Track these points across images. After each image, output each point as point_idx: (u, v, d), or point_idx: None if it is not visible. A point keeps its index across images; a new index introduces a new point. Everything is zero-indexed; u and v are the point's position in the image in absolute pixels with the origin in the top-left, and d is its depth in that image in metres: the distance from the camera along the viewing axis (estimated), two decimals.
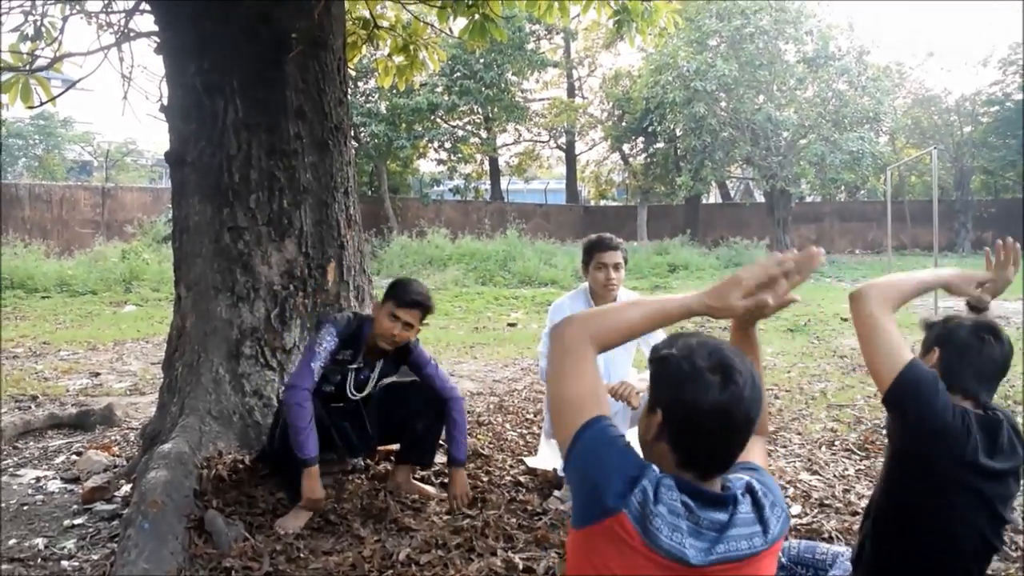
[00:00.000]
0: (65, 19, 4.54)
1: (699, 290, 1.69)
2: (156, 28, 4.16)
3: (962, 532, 2.04)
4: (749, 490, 1.60)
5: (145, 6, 4.17)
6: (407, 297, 3.41)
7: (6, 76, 4.30)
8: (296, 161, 4.07)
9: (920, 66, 38.31)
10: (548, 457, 4.07)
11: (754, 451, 1.74)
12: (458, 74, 24.54)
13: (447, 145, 27.13)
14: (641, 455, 1.62)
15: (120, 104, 4.86)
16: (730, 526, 1.51)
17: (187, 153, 4.02)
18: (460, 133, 27.55)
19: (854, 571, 2.23)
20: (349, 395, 3.63)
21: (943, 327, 2.24)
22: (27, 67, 4.35)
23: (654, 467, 1.53)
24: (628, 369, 3.99)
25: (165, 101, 4.20)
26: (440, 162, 28.35)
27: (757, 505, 1.58)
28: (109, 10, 4.50)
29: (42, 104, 4.44)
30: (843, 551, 2.37)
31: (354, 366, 3.59)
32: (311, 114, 4.13)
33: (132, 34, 4.38)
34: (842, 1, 39.19)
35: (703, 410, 1.51)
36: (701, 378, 1.52)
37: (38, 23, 4.60)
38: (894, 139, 30.30)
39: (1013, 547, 3.18)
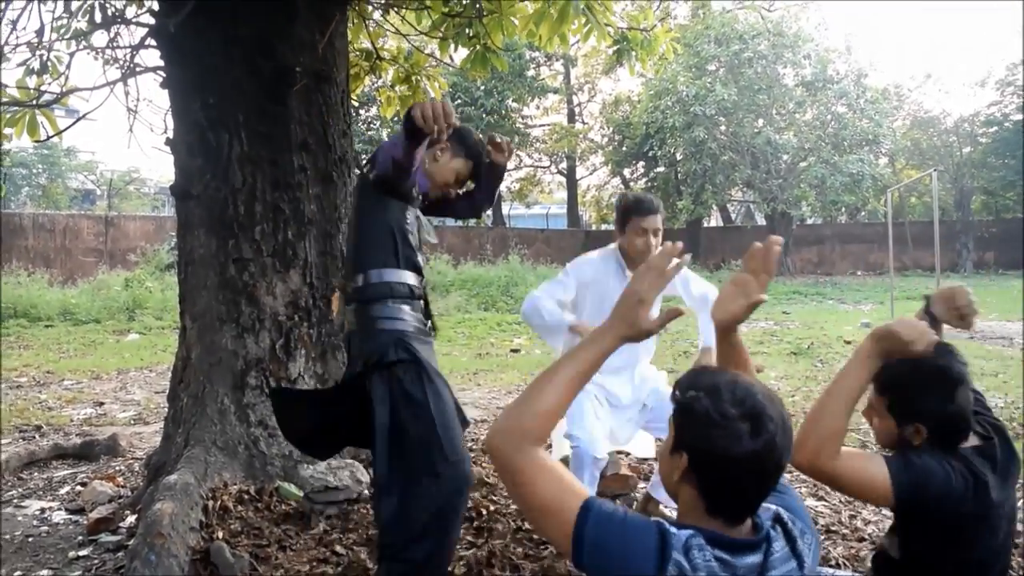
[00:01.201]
0: (72, 54, 4.60)
1: (603, 323, 1.60)
2: (161, 63, 4.21)
3: (988, 560, 2.01)
4: (778, 521, 1.53)
5: (151, 41, 4.22)
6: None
7: (12, 110, 4.35)
8: (300, 193, 4.11)
9: (918, 88, 38.79)
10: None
11: None
12: (459, 101, 24.76)
13: None
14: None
15: (125, 137, 4.90)
16: (767, 568, 1.46)
17: (192, 187, 4.06)
18: None
19: None
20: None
21: (906, 392, 2.01)
22: (34, 101, 4.40)
23: (674, 530, 1.44)
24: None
25: (170, 134, 4.25)
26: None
27: (789, 537, 1.52)
28: (115, 45, 4.56)
29: (49, 138, 4.49)
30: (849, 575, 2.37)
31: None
32: (315, 147, 4.17)
33: (138, 69, 4.44)
34: (840, 24, 39.09)
35: (733, 460, 1.44)
36: (731, 427, 1.44)
37: (44, 58, 4.66)
38: (894, 161, 30.45)
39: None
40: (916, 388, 1.97)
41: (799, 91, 25.69)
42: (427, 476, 2.63)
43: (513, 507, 3.96)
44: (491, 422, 6.15)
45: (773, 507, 1.56)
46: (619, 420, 3.62)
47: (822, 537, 3.55)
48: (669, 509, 3.64)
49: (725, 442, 1.44)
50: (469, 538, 3.50)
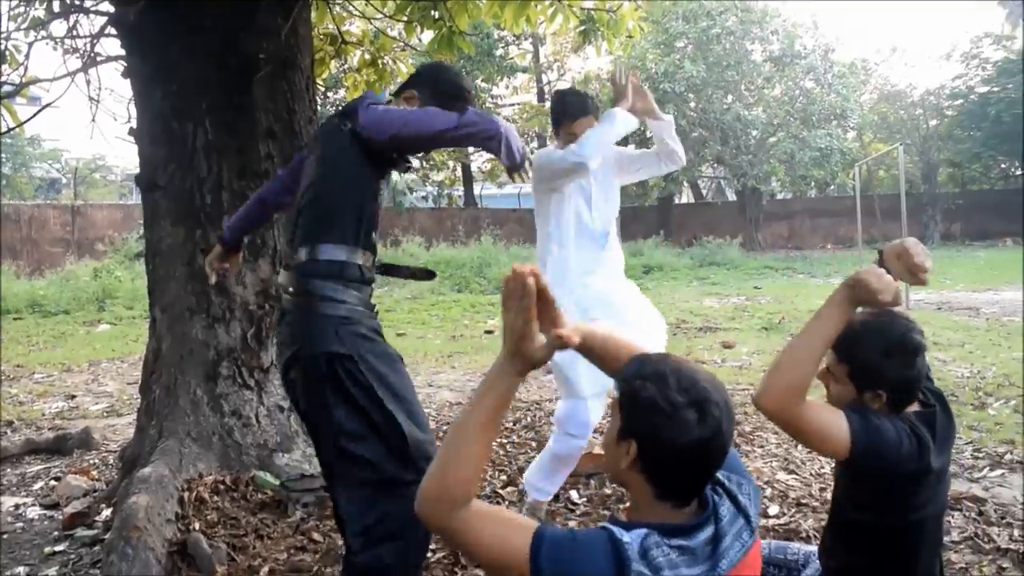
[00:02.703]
0: (30, 44, 4.53)
1: (497, 363, 1.53)
2: (123, 52, 4.16)
3: (929, 528, 2.09)
4: (715, 482, 1.57)
5: (111, 30, 4.17)
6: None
7: None
8: (267, 181, 4.08)
9: (885, 62, 39.03)
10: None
11: None
12: None
13: (420, 153, 27.11)
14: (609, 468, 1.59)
15: (88, 127, 4.84)
16: (721, 537, 1.50)
17: (158, 177, 4.03)
18: None
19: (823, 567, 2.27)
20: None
21: (869, 361, 2.03)
22: None
23: (626, 538, 1.44)
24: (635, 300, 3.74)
25: (134, 123, 4.20)
26: (412, 170, 28.30)
27: (730, 496, 1.56)
28: (74, 35, 4.49)
29: (9, 130, 4.43)
30: (814, 550, 2.42)
31: None
32: (281, 134, 4.14)
33: (99, 58, 4.38)
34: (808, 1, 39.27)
35: (682, 448, 1.47)
36: (678, 415, 1.46)
37: (2, 48, 4.59)
38: (862, 135, 30.69)
39: (986, 539, 3.26)
40: (880, 356, 2.01)
41: (767, 67, 25.78)
42: (382, 483, 2.35)
43: (487, 490, 4.00)
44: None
45: None
46: None
47: (793, 510, 3.62)
48: None
49: (674, 431, 1.46)
50: None
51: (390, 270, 2.82)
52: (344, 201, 2.48)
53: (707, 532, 1.50)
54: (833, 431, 1.95)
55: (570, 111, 3.54)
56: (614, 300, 3.55)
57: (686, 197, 34.65)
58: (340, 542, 3.25)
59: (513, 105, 33.02)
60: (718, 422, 1.48)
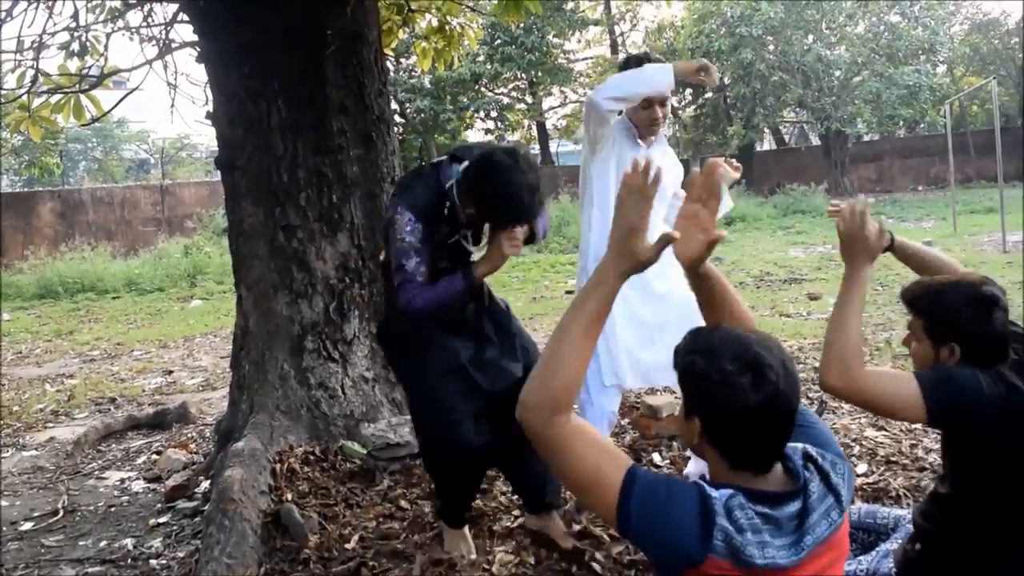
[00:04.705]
0: (108, 35, 4.66)
1: (603, 261, 1.55)
2: (196, 37, 4.24)
3: None
4: (809, 459, 1.55)
5: (184, 16, 4.25)
6: None
7: (57, 97, 4.45)
8: (342, 156, 4.14)
9: None
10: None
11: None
12: (499, 41, 24.37)
13: (493, 114, 27.09)
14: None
15: (168, 111, 4.97)
16: (808, 513, 1.47)
17: (236, 158, 4.12)
18: (505, 101, 27.46)
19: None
20: (468, 247, 2.86)
21: (944, 314, 2.02)
22: (76, 87, 4.48)
23: (714, 494, 1.45)
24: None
25: (211, 107, 4.30)
26: (487, 131, 28.31)
27: (822, 473, 1.53)
28: (149, 23, 4.60)
29: (94, 120, 4.58)
30: (904, 514, 2.36)
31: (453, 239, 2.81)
32: (353, 109, 4.17)
33: (174, 45, 4.48)
34: None
35: (742, 415, 1.45)
36: (731, 383, 1.45)
37: (83, 39, 4.73)
38: (952, 69, 29.31)
39: None
40: (955, 309, 1.99)
41: (849, 3, 24.77)
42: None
43: None
44: None
45: (801, 446, 1.58)
46: (645, 344, 3.24)
47: (882, 468, 3.53)
48: None
49: (730, 399, 1.46)
50: None
51: None
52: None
53: (794, 506, 1.49)
54: (903, 393, 1.92)
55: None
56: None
57: (767, 144, 33.77)
58: (427, 510, 3.33)
59: (587, 59, 32.59)
60: (775, 385, 1.46)
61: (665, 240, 1.53)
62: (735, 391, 1.45)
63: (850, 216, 1.98)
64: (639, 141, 3.31)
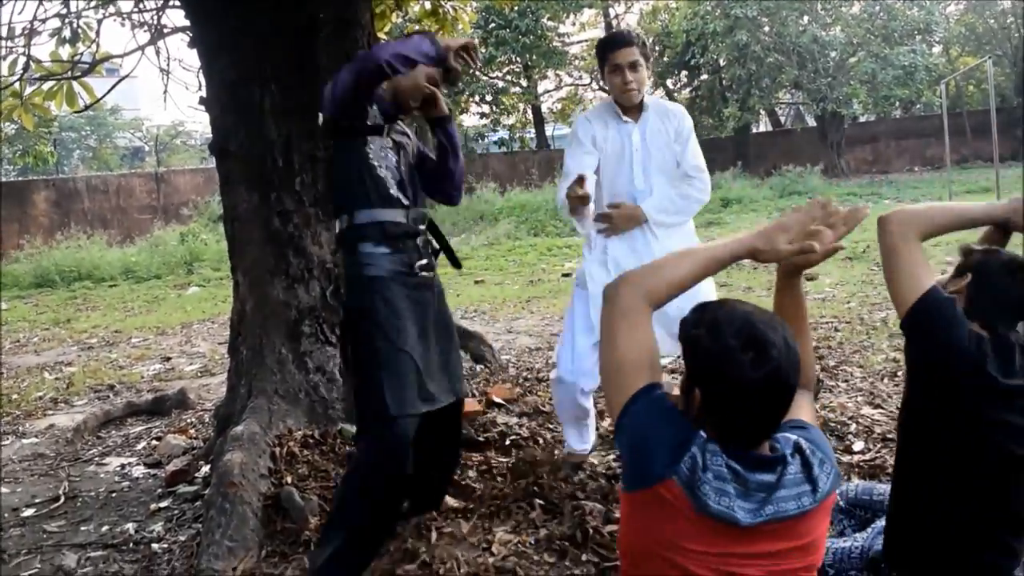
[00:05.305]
0: (100, 21, 4.64)
1: (744, 233, 1.70)
2: (188, 23, 4.22)
3: (987, 449, 1.97)
4: (798, 449, 1.59)
5: (175, 2, 4.24)
6: None
7: (49, 84, 4.43)
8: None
9: None
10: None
11: (801, 407, 1.71)
12: (493, 25, 24.30)
13: (488, 98, 27.00)
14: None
15: (162, 98, 4.96)
16: (778, 487, 1.52)
17: (230, 144, 4.11)
18: (500, 84, 27.36)
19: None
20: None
21: (981, 256, 2.11)
22: (68, 73, 4.46)
23: (701, 433, 1.53)
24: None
25: (204, 93, 4.29)
26: (483, 115, 28.25)
27: (806, 464, 1.57)
28: (141, 8, 4.58)
29: (87, 107, 4.57)
30: None
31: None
32: None
33: (166, 31, 4.46)
34: None
35: (742, 390, 1.50)
36: (733, 358, 1.49)
37: (74, 25, 4.71)
38: (948, 49, 29.25)
39: None
40: (1003, 270, 2.06)
41: None
42: (364, 436, 2.73)
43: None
44: (545, 350, 6.21)
45: (794, 438, 1.61)
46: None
47: (879, 445, 3.56)
48: None
49: (731, 374, 1.50)
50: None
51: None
52: (342, 174, 2.83)
53: (767, 477, 1.52)
54: (917, 277, 2.00)
55: (610, 44, 3.36)
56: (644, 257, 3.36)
57: (763, 126, 33.73)
58: None
59: (582, 42, 32.45)
60: (776, 362, 1.50)
61: (808, 248, 1.67)
62: (736, 366, 1.49)
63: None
64: (624, 118, 3.35)
